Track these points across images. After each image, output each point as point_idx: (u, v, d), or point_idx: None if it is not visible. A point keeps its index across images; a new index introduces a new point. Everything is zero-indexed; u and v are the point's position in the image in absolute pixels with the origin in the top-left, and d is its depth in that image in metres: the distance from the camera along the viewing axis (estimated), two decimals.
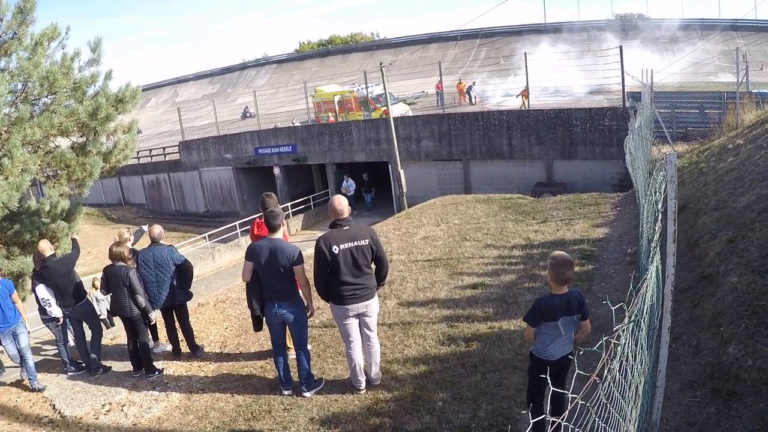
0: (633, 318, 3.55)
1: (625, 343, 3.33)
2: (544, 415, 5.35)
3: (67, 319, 8.90)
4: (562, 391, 4.68)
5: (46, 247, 8.60)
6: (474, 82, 38.98)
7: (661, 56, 35.52)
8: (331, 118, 36.70)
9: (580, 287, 9.26)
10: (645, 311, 4.09)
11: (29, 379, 8.60)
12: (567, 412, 2.60)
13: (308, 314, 7.08)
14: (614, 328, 3.39)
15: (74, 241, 9.09)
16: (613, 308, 3.72)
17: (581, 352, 3.60)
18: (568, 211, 15.15)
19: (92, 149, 9.49)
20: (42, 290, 8.66)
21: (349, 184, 32.01)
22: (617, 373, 3.20)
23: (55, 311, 8.73)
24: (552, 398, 5.43)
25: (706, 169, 13.02)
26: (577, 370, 2.91)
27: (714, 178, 11.74)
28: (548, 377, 5.26)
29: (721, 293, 6.96)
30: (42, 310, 8.91)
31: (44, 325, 9.44)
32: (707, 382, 5.85)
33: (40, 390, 8.44)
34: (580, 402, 2.73)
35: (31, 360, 8.61)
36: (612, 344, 3.21)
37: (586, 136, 25.45)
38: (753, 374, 5.33)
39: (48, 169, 9.86)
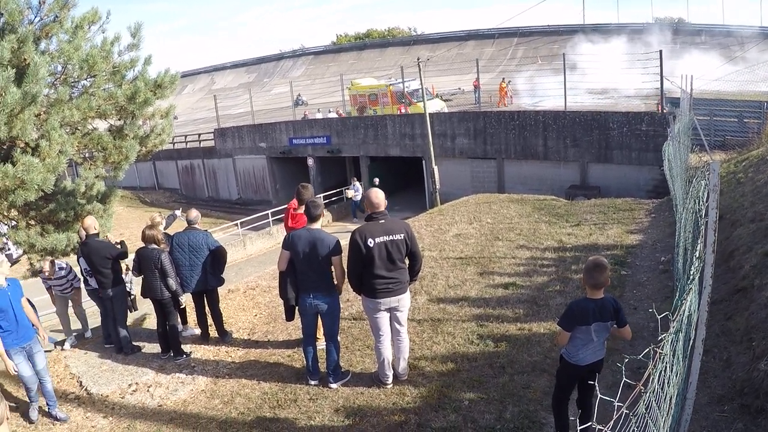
0: (678, 327, 3.47)
1: (667, 354, 3.25)
2: (570, 420, 5.34)
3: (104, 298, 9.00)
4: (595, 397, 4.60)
5: (90, 224, 8.68)
6: (509, 81, 38.61)
7: (701, 62, 34.90)
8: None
9: (612, 293, 9.13)
10: (684, 321, 4.01)
11: (48, 405, 7.25)
12: (612, 421, 2.55)
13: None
14: (659, 337, 3.29)
15: (123, 243, 9.11)
16: (658, 316, 3.64)
17: (627, 360, 3.51)
18: (602, 215, 14.96)
19: (129, 133, 9.56)
20: (84, 262, 8.84)
21: (356, 188, 30.09)
22: (656, 384, 3.13)
23: (95, 283, 8.85)
24: (579, 404, 5.38)
25: (744, 180, 12.76)
26: (624, 378, 2.84)
27: (752, 189, 11.50)
28: (576, 382, 5.26)
29: (755, 307, 6.83)
30: (85, 281, 9.08)
31: (89, 297, 9.63)
32: (736, 398, 5.74)
33: (62, 420, 7.16)
34: (625, 411, 2.66)
35: (50, 383, 7.28)
36: (657, 354, 3.12)
37: (622, 140, 25.13)
38: None
39: (85, 151, 9.96)
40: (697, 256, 4.34)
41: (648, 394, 2.91)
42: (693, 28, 48.93)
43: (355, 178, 31.31)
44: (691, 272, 4.43)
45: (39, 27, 8.84)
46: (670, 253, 10.54)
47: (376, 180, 29.08)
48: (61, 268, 9.84)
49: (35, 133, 8.09)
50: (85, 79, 9.14)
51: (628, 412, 2.69)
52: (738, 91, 23.92)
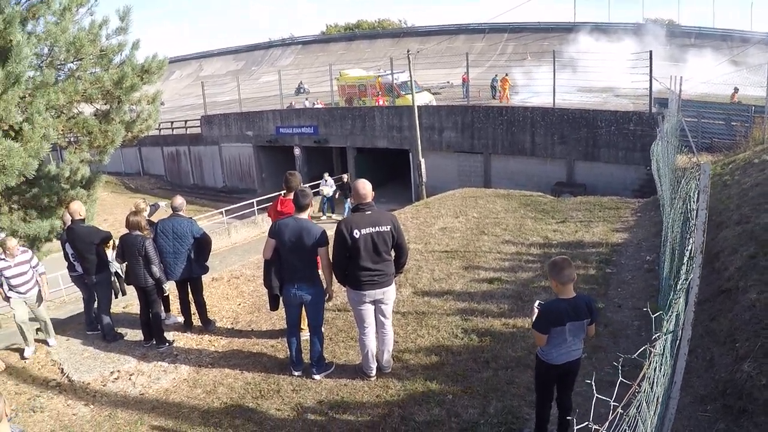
0: (672, 328, 3.47)
1: (660, 353, 3.25)
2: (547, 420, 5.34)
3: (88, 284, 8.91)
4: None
5: (76, 209, 8.57)
6: (496, 75, 38.62)
7: (689, 64, 35.07)
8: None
9: (597, 291, 9.19)
10: (673, 321, 4.01)
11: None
12: (607, 422, 2.54)
13: (326, 297, 7.04)
14: (653, 336, 3.28)
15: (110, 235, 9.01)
16: (652, 315, 3.63)
17: (621, 359, 3.51)
18: (588, 213, 15.02)
19: (115, 117, 9.48)
20: (70, 247, 8.73)
21: (328, 184, 29.10)
22: (646, 384, 3.13)
23: (81, 268, 8.77)
24: (558, 403, 5.38)
25: (731, 182, 12.85)
26: (620, 378, 2.82)
27: (738, 191, 11.59)
28: (553, 382, 5.26)
29: (739, 309, 6.89)
30: (71, 267, 8.96)
31: (71, 284, 9.50)
32: (719, 398, 5.79)
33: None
34: (619, 411, 2.65)
35: None
36: (652, 353, 3.12)
37: (610, 139, 25.24)
38: (766, 393, 5.29)
39: (70, 135, 9.85)
40: (689, 256, 4.34)
41: (641, 394, 2.90)
42: (683, 30, 49.15)
43: (327, 173, 29.94)
44: (682, 272, 4.42)
45: (26, 8, 8.73)
46: (655, 253, 10.60)
47: (345, 176, 29.23)
48: (24, 251, 8.57)
49: (19, 115, 7.98)
50: (72, 62, 9.05)
51: (622, 411, 2.68)
52: (726, 94, 24.09)
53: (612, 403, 2.69)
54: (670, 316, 3.63)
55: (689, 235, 4.88)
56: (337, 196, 29.12)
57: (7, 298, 8.46)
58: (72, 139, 10.02)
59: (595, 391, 2.88)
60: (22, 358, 8.50)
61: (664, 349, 3.76)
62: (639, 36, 46.02)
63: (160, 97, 10.56)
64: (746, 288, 7.19)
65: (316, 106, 39.12)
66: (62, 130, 9.08)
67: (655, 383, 3.51)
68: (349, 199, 26.14)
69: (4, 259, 8.29)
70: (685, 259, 4.52)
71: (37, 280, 8.63)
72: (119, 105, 9.48)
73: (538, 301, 5.22)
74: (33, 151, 7.69)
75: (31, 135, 7.68)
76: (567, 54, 36.55)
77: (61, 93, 8.48)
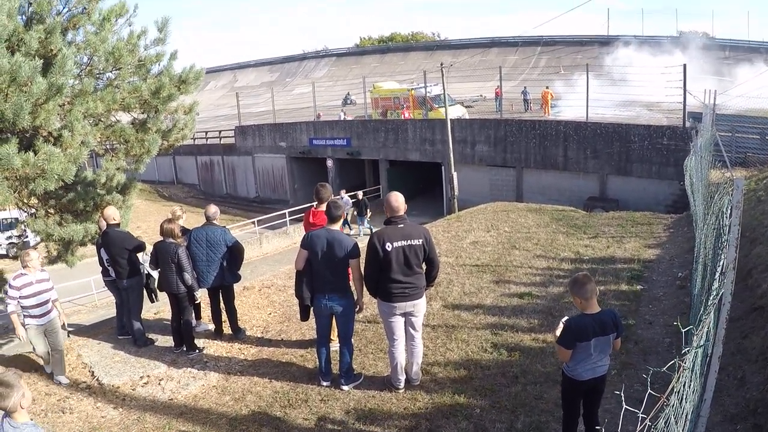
0: (702, 343, 3.42)
1: (689, 368, 3.21)
2: None
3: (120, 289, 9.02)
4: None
5: (110, 214, 8.73)
6: (525, 87, 38.59)
7: (724, 78, 34.64)
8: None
9: (628, 307, 9.08)
10: (703, 337, 3.96)
11: None
12: None
13: (356, 309, 7.06)
14: (683, 351, 3.24)
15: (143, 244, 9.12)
16: (682, 330, 3.58)
17: (651, 371, 3.47)
18: (620, 228, 14.86)
19: (152, 127, 9.61)
20: (105, 252, 8.87)
21: (345, 201, 26.33)
22: (675, 399, 3.09)
23: (114, 274, 8.90)
24: (585, 420, 5.33)
25: (765, 198, 12.65)
26: (649, 390, 2.79)
27: None
28: (579, 398, 5.21)
29: None
30: (105, 272, 9.10)
31: (103, 287, 9.59)
32: (749, 417, 5.69)
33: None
34: (648, 423, 2.62)
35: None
36: (681, 367, 3.08)
37: (643, 154, 25.04)
38: None
39: (107, 143, 10.02)
40: (720, 271, 4.29)
41: (669, 408, 2.87)
42: (718, 43, 48.54)
43: (344, 190, 28.52)
44: (714, 287, 4.37)
45: (67, 18, 8.94)
46: (687, 269, 10.44)
47: (361, 193, 27.14)
48: (43, 270, 8.01)
49: (58, 123, 8.14)
50: (111, 72, 9.21)
51: (650, 424, 2.65)
52: (762, 108, 23.74)
53: (640, 415, 2.67)
54: (701, 331, 3.58)
55: (721, 250, 4.82)
56: (349, 217, 26.83)
57: (23, 326, 7.68)
58: (109, 147, 10.18)
59: (623, 403, 2.86)
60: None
61: (693, 365, 3.71)
62: (675, 48, 45.56)
63: (196, 107, 10.69)
64: None
65: (344, 118, 39.29)
66: (100, 138, 9.25)
67: (684, 399, 3.46)
68: (364, 216, 26.22)
69: (24, 274, 7.64)
70: (717, 274, 4.46)
71: (54, 305, 7.99)
72: (156, 114, 9.62)
73: (566, 317, 5.18)
74: (72, 156, 7.83)
75: (70, 141, 7.83)
76: (601, 67, 36.35)
77: (100, 102, 8.63)
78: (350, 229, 26.88)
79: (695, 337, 3.50)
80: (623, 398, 2.94)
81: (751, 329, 7.24)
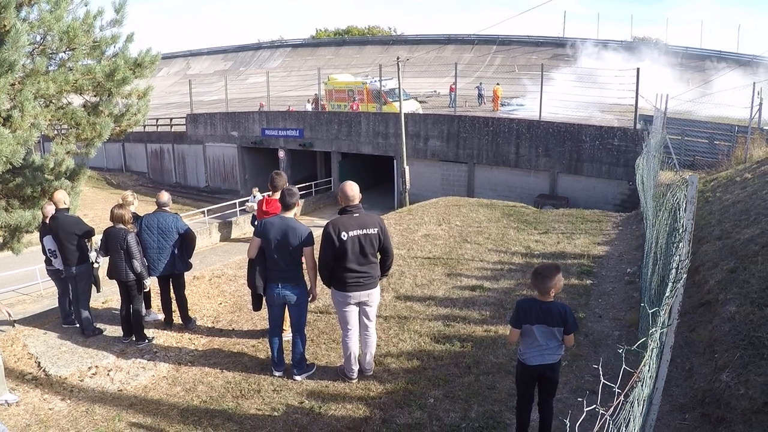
0: (669, 323, 3.50)
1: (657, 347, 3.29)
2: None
3: (67, 277, 8.81)
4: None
5: (60, 198, 8.51)
6: (481, 83, 39.21)
7: (675, 83, 35.50)
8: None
9: (578, 301, 9.24)
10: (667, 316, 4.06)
11: None
12: (612, 407, 2.55)
13: (309, 298, 7.03)
14: (651, 330, 3.31)
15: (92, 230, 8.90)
16: (651, 310, 3.64)
17: (624, 349, 3.54)
18: (570, 225, 15.12)
19: (104, 110, 9.36)
20: (50, 241, 8.64)
21: (256, 200, 22.45)
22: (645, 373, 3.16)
23: (58, 263, 8.68)
24: (539, 407, 5.43)
25: (712, 199, 13.03)
26: (624, 366, 2.84)
27: (719, 208, 11.76)
28: (532, 384, 5.32)
29: (719, 321, 7.00)
30: (48, 261, 8.88)
31: (48, 278, 9.36)
32: (697, 407, 5.87)
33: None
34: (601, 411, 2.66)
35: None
36: (651, 340, 3.14)
37: (593, 154, 25.51)
38: (744, 403, 5.36)
39: (57, 125, 9.75)
40: (681, 258, 4.40)
41: (631, 398, 2.92)
42: (670, 49, 49.75)
43: (256, 188, 25.63)
44: (671, 276, 4.47)
45: None
46: (636, 265, 10.69)
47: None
48: None
49: (8, 103, 7.88)
50: (64, 52, 8.93)
51: (624, 399, 2.70)
52: (710, 114, 24.46)
53: (616, 390, 2.71)
54: (666, 312, 3.67)
55: (674, 245, 4.93)
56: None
57: None
58: (59, 130, 9.91)
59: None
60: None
61: (656, 345, 3.80)
62: (627, 53, 46.56)
63: (150, 92, 10.46)
64: (726, 300, 7.30)
65: (307, 107, 39.11)
66: (50, 120, 8.97)
67: (644, 383, 3.54)
68: None
69: None
70: (673, 264, 4.58)
71: None
72: (109, 98, 9.36)
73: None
74: (22, 138, 7.57)
75: (20, 122, 7.58)
76: (554, 68, 36.90)
77: (52, 82, 8.35)
78: None
79: (661, 315, 3.58)
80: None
81: (698, 323, 7.46)
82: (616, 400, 2.66)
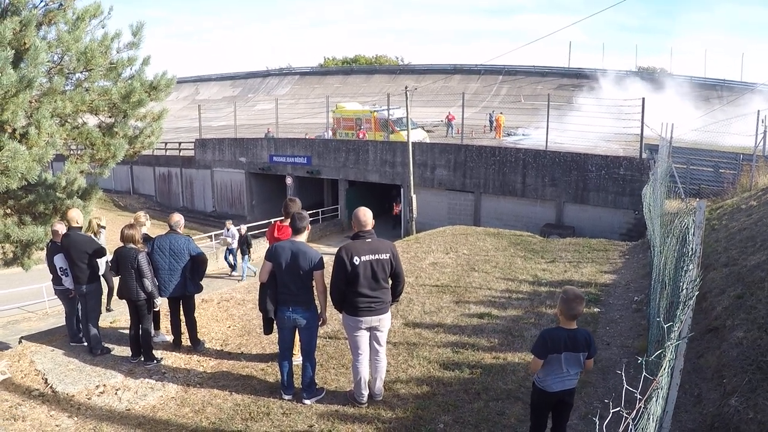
0: (684, 335, 3.51)
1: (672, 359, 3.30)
2: None
3: (77, 295, 8.84)
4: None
5: (74, 216, 8.57)
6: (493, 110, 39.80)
7: (681, 112, 35.72)
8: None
9: (586, 329, 9.21)
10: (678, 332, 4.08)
11: None
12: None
13: (320, 321, 7.03)
14: (667, 342, 3.31)
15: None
16: (664, 325, 3.65)
17: (641, 360, 3.54)
18: (577, 254, 15.14)
19: (119, 131, 9.47)
20: (61, 259, 8.68)
21: (230, 234, 23.85)
22: (663, 380, 3.17)
23: (68, 283, 8.71)
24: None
25: (718, 227, 13.05)
26: (644, 374, 2.84)
27: (725, 235, 11.78)
28: (548, 410, 5.31)
29: (727, 346, 7.01)
30: (56, 280, 8.91)
31: (55, 296, 9.38)
32: None
33: None
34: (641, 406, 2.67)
35: None
36: (654, 383, 3.14)
37: (599, 183, 25.57)
38: (753, 427, 5.37)
39: (72, 145, 9.85)
40: (692, 279, 4.42)
41: (643, 421, 2.92)
42: (675, 79, 50.12)
43: (230, 221, 24.88)
44: (682, 295, 4.48)
45: (43, 12, 8.80)
46: (643, 293, 10.69)
47: (241, 228, 23.78)
48: None
49: (24, 120, 7.98)
50: (81, 72, 9.07)
51: (643, 407, 2.70)
52: (714, 142, 24.57)
53: (637, 395, 2.71)
54: (679, 327, 3.68)
55: (685, 266, 4.96)
56: (237, 256, 23.98)
57: None
58: (74, 149, 10.01)
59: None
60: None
61: (666, 365, 3.80)
62: (632, 82, 46.87)
63: (165, 115, 10.59)
64: (733, 326, 7.31)
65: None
66: (65, 139, 9.07)
67: (658, 398, 3.54)
68: (247, 256, 23.11)
69: None
70: (684, 284, 4.60)
71: None
72: (124, 119, 9.48)
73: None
74: (38, 156, 7.67)
75: (36, 140, 7.68)
76: (561, 98, 37.15)
77: (68, 101, 8.49)
78: (233, 270, 24.18)
79: (674, 330, 3.59)
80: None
81: (706, 349, 7.46)
82: (638, 404, 2.67)
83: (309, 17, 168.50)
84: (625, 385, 2.85)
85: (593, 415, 6.30)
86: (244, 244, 23.07)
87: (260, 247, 25.03)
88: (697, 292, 4.42)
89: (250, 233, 23.90)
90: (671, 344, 3.41)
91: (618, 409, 2.62)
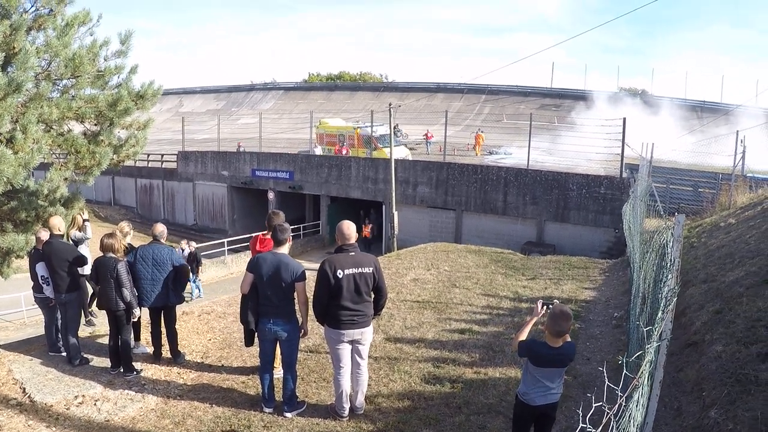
0: (665, 337, 3.57)
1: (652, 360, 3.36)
2: None
3: (57, 304, 8.77)
4: None
5: (56, 224, 8.54)
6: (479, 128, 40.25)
7: (661, 132, 36.22)
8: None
9: (571, 342, 9.29)
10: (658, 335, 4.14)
11: None
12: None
13: (301, 333, 7.03)
14: (646, 345, 3.37)
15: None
16: (644, 330, 3.71)
17: (623, 358, 3.59)
18: (558, 271, 15.27)
19: (105, 139, 9.42)
20: (42, 268, 8.63)
21: (185, 254, 21.52)
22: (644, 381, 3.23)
23: (49, 291, 8.64)
24: None
25: (697, 244, 13.23)
26: (625, 372, 2.89)
27: (704, 252, 11.96)
28: (530, 423, 5.35)
29: (706, 360, 7.11)
30: (37, 288, 8.83)
31: (33, 305, 9.28)
32: None
33: None
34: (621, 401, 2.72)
35: None
36: (634, 381, 3.20)
37: (580, 201, 25.79)
38: None
39: (57, 151, 9.78)
40: (671, 287, 4.50)
41: (637, 395, 2.97)
42: (655, 100, 50.90)
43: (185, 240, 23.47)
44: (662, 305, 4.56)
45: (33, 17, 8.80)
46: (623, 310, 10.80)
47: (192, 245, 22.61)
48: None
49: (10, 124, 7.92)
50: (68, 79, 9.03)
51: (624, 403, 2.74)
52: (694, 162, 24.95)
53: (618, 392, 2.75)
54: (658, 331, 3.74)
55: (664, 277, 5.04)
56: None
57: None
58: (58, 157, 9.95)
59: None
60: None
61: (647, 366, 3.86)
62: (613, 104, 47.51)
63: (151, 124, 10.57)
64: (712, 341, 7.43)
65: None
66: (50, 146, 9.01)
67: (638, 403, 3.59)
68: (196, 276, 21.62)
69: None
70: (663, 293, 4.68)
71: None
72: (110, 127, 9.44)
73: (542, 302, 5.35)
74: (24, 160, 7.62)
75: (22, 144, 7.62)
76: (543, 117, 37.53)
77: (55, 107, 8.45)
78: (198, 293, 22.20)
79: (654, 335, 3.65)
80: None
81: (685, 363, 7.56)
82: (617, 403, 2.72)
83: (298, 29, 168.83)
84: (606, 382, 2.90)
85: (573, 429, 6.34)
86: (194, 263, 21.38)
87: (241, 262, 24.91)
88: (676, 298, 4.49)
89: (198, 251, 22.72)
90: (651, 346, 3.47)
91: (600, 403, 2.67)
